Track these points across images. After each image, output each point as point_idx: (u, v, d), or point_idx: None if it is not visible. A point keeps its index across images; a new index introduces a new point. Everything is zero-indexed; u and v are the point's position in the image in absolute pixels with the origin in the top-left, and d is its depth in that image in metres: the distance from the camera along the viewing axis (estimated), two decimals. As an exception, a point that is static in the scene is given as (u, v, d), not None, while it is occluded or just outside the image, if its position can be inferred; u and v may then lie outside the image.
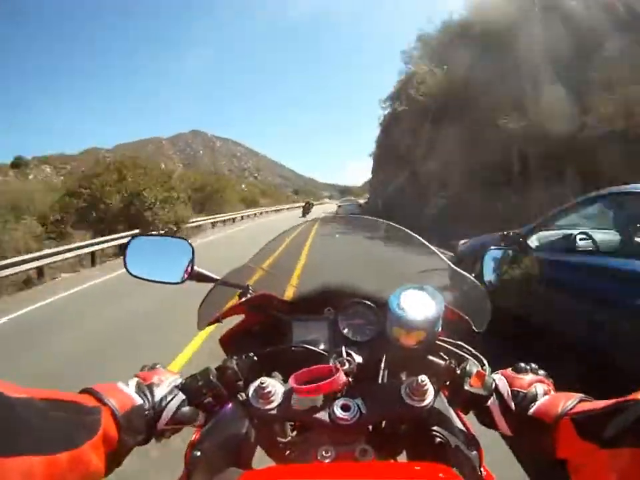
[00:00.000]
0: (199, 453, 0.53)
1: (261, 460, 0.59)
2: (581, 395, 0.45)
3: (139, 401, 0.47)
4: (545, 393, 0.49)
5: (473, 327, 0.69)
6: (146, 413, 0.47)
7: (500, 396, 0.50)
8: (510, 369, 0.55)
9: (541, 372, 0.54)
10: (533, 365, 0.55)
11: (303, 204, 29.94)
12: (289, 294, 0.81)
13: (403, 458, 0.59)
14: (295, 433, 0.60)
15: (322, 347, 0.67)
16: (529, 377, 0.52)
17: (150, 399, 0.49)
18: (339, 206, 25.39)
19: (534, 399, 0.48)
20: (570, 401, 0.44)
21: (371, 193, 34.58)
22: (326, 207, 42.20)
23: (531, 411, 0.47)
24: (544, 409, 0.46)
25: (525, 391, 0.50)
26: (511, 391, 0.50)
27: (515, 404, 0.49)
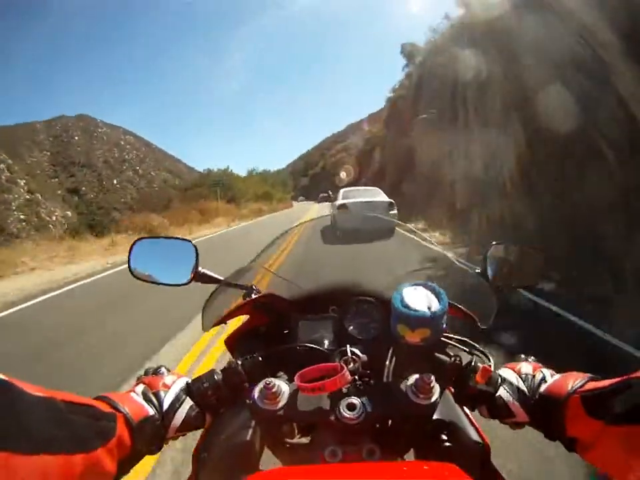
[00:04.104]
0: (206, 455, 0.53)
1: (268, 461, 0.60)
2: (589, 375, 0.45)
3: (150, 411, 0.48)
4: (552, 375, 0.50)
5: (478, 323, 0.69)
6: (157, 422, 0.48)
7: (510, 383, 0.51)
8: (512, 363, 0.56)
9: (540, 364, 0.55)
10: (532, 357, 0.56)
11: None
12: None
13: (409, 456, 0.59)
14: (301, 433, 0.60)
15: (327, 346, 0.67)
16: (532, 365, 0.54)
17: (159, 407, 0.49)
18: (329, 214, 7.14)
19: (543, 380, 0.49)
20: (579, 380, 0.44)
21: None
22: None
23: (543, 389, 0.48)
24: (555, 388, 0.46)
25: (533, 374, 0.51)
26: (520, 377, 0.52)
27: (526, 387, 0.50)
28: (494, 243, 0.79)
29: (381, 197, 9.51)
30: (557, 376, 0.49)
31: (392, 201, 8.98)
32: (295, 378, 0.51)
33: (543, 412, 0.47)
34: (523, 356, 0.57)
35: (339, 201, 8.92)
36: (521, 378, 0.51)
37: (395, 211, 8.97)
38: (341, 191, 9.96)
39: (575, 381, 0.45)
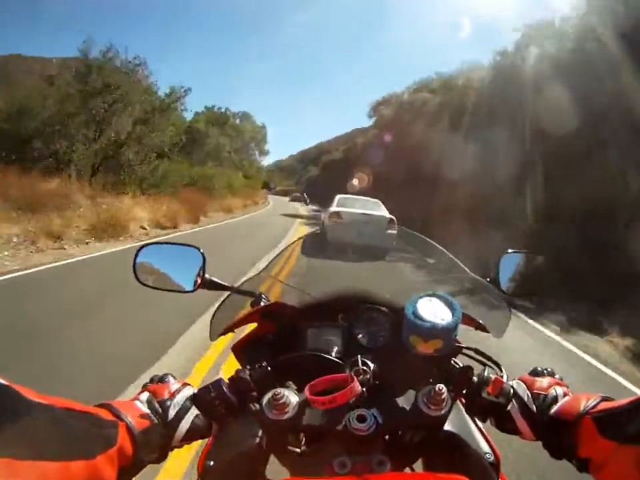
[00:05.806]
0: (212, 463, 0.53)
1: (275, 471, 0.59)
2: (602, 395, 0.45)
3: (154, 419, 0.47)
4: (565, 394, 0.49)
5: (491, 334, 0.69)
6: (160, 432, 0.47)
7: (520, 400, 0.51)
8: (527, 374, 0.56)
9: (557, 376, 0.55)
10: (549, 369, 0.56)
11: None
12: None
13: (418, 466, 0.59)
14: (308, 443, 0.59)
15: (336, 354, 0.66)
16: (547, 379, 0.53)
17: (163, 416, 0.49)
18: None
19: (555, 400, 0.49)
20: (591, 401, 0.44)
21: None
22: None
23: (553, 411, 0.47)
24: (565, 410, 0.46)
25: (545, 393, 0.50)
26: (531, 394, 0.51)
27: (536, 406, 0.49)
28: (508, 251, 0.78)
29: (380, 210, 8.59)
30: (569, 397, 0.49)
31: (392, 217, 7.76)
32: (305, 390, 0.50)
33: (552, 433, 0.47)
34: (539, 368, 0.56)
35: (332, 208, 8.04)
36: (533, 395, 0.51)
37: (395, 231, 7.15)
38: (337, 197, 9.03)
39: (586, 401, 0.45)
